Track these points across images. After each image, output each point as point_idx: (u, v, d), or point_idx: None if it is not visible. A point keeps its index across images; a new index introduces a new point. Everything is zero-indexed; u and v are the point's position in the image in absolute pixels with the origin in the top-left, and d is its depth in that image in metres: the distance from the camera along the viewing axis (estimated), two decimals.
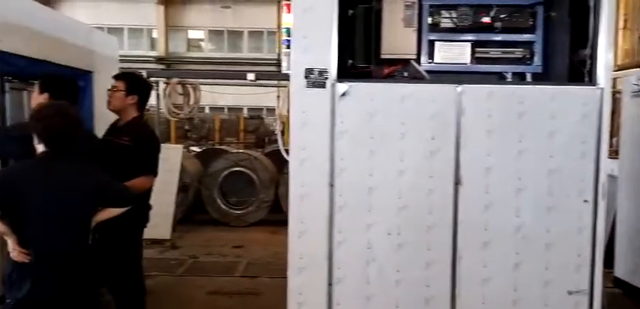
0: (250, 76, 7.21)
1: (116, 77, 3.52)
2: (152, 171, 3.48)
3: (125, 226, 3.05)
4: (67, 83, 3.23)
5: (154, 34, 22.11)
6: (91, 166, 2.74)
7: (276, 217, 8.32)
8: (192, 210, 8.31)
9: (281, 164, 8.32)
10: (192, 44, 23.27)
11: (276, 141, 15.35)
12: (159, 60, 21.19)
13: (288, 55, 2.97)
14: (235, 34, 22.59)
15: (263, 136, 17.14)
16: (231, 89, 18.04)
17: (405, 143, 2.86)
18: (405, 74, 3.00)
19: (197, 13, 21.95)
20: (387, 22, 2.97)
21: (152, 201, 3.55)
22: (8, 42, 3.32)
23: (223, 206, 8.29)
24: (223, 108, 19.52)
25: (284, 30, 3.02)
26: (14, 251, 2.51)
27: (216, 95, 16.31)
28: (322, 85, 2.84)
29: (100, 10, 19.46)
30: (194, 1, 21.79)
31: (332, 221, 2.89)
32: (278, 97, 18.14)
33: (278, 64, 21.51)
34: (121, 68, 5.18)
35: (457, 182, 2.84)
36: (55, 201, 2.52)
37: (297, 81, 2.86)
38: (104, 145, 3.42)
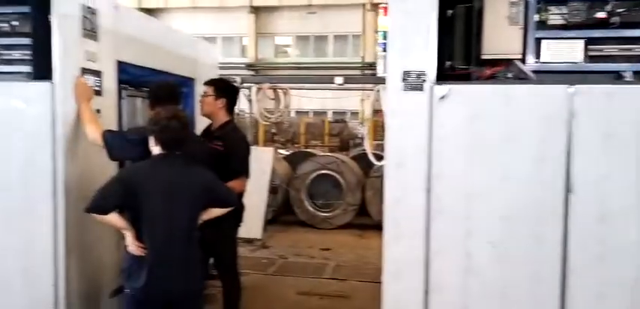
0: (338, 80, 7.27)
1: (206, 83, 3.74)
2: (245, 173, 3.64)
3: (223, 224, 3.21)
4: (171, 89, 3.45)
5: (245, 42, 23.12)
6: (200, 167, 2.91)
7: (363, 220, 8.33)
8: (281, 211, 8.55)
9: (368, 168, 8.32)
10: (279, 50, 24.02)
11: (360, 144, 15.37)
12: (249, 66, 22.12)
13: (383, 58, 2.95)
14: (321, 39, 22.97)
15: (347, 139, 17.26)
16: (315, 93, 18.41)
17: (509, 148, 2.71)
18: (509, 75, 2.85)
19: (285, 20, 22.62)
20: (489, 21, 2.84)
21: (244, 201, 3.70)
22: (126, 53, 3.62)
23: (311, 208, 8.43)
24: (308, 112, 19.89)
25: (380, 33, 3.02)
26: (132, 245, 2.74)
27: (301, 99, 16.65)
28: (420, 88, 2.78)
29: (197, 21, 20.72)
30: (282, 9, 22.47)
31: (429, 227, 2.81)
32: (362, 100, 18.22)
33: (362, 67, 21.56)
34: (218, 75, 5.49)
35: (568, 190, 2.64)
36: (168, 199, 2.71)
37: (394, 84, 2.82)
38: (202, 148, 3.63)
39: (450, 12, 2.89)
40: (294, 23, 22.64)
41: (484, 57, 2.88)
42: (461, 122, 2.75)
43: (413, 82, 2.78)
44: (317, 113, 20.36)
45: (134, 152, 3.03)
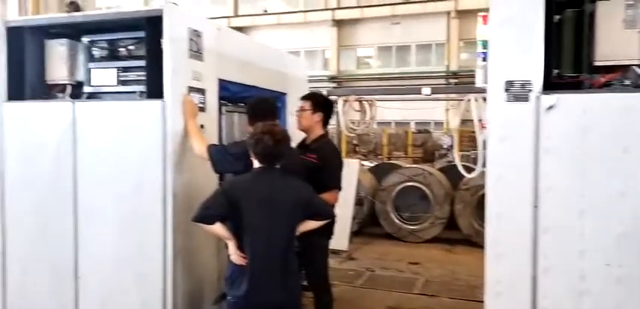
0: (426, 90, 7.13)
1: (303, 98, 3.82)
2: (337, 186, 3.68)
3: (315, 236, 3.26)
4: (267, 104, 3.58)
5: (327, 54, 23.51)
6: (298, 180, 2.99)
7: (452, 235, 8.06)
8: (367, 223, 8.52)
9: (456, 180, 8.04)
10: (361, 61, 24.11)
11: (445, 155, 14.86)
12: (331, 79, 22.44)
13: (483, 67, 2.85)
14: (403, 49, 22.74)
15: (431, 150, 16.86)
16: (398, 103, 18.21)
17: (627, 161, 2.49)
18: (627, 82, 2.62)
19: (367, 32, 22.69)
20: (602, 25, 2.64)
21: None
22: (226, 71, 3.83)
23: (397, 221, 8.32)
24: (390, 122, 19.72)
25: (480, 42, 2.90)
26: (234, 254, 2.87)
27: (384, 110, 16.53)
28: (525, 98, 2.64)
29: (281, 36, 21.43)
30: (364, 21, 22.58)
31: (536, 244, 2.65)
32: (447, 110, 17.71)
33: (447, 76, 21.00)
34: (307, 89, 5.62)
35: None
36: (268, 211, 2.81)
37: (496, 94, 2.72)
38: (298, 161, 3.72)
39: (557, 17, 2.72)
40: (376, 34, 22.64)
41: (597, 64, 2.68)
42: (571, 133, 2.58)
43: (517, 92, 2.66)
44: (399, 124, 20.13)
45: (236, 165, 3.18)
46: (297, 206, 2.89)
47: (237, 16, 22.95)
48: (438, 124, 20.17)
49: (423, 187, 8.24)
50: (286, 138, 2.97)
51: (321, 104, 3.77)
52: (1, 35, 3.63)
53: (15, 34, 3.68)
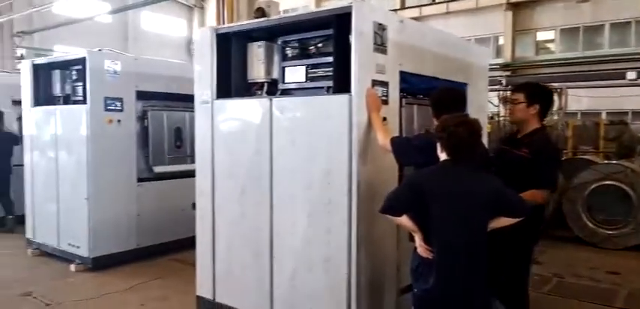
0: (630, 75, 6.13)
1: (515, 89, 3.58)
2: (548, 184, 3.35)
3: (518, 237, 3.03)
4: (455, 95, 3.45)
5: (500, 41, 21.92)
6: (487, 174, 2.83)
7: None
8: (552, 224, 7.72)
9: None
10: (540, 47, 21.90)
11: None
12: (504, 67, 20.87)
13: None
14: (592, 30, 19.98)
15: (628, 144, 14.48)
16: (586, 91, 16.06)
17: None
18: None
19: (548, 13, 20.51)
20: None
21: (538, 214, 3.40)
22: (407, 64, 3.82)
23: (590, 224, 7.36)
24: (577, 113, 17.51)
25: None
26: (420, 247, 2.85)
27: (568, 99, 14.73)
28: None
29: (450, 24, 20.65)
30: (545, 1, 20.45)
31: None
32: None
33: None
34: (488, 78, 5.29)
35: None
36: (455, 205, 2.72)
37: None
38: (499, 154, 3.51)
39: None
40: (558, 15, 20.30)
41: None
42: None
43: None
44: (585, 114, 17.75)
45: (419, 157, 3.15)
46: (486, 201, 2.74)
47: (403, 8, 22.79)
48: (636, 113, 17.25)
49: (624, 187, 7.14)
50: (480, 130, 2.83)
51: (537, 95, 3.46)
52: (212, 41, 4.18)
53: (223, 39, 4.21)
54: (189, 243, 5.46)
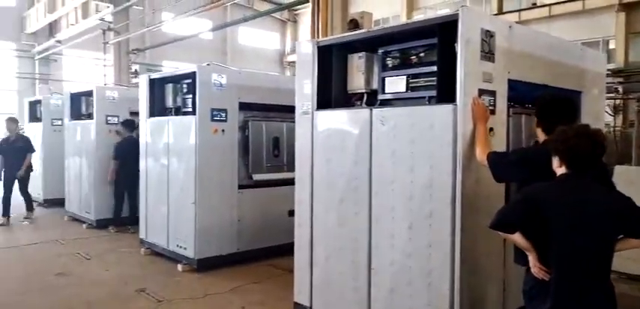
0: None
1: None
2: None
3: None
4: (566, 104, 3.20)
5: (611, 45, 20.09)
6: (614, 189, 2.59)
7: None
8: None
9: None
10: None
11: None
12: (616, 72, 19.06)
13: None
14: None
15: None
16: None
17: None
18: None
19: None
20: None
21: None
22: (516, 71, 3.63)
23: None
24: None
25: None
26: (534, 267, 2.66)
27: None
28: None
29: (553, 28, 19.33)
30: None
31: None
32: None
33: None
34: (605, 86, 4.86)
35: None
36: (576, 223, 2.50)
37: None
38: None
39: None
40: None
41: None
42: None
43: None
44: None
45: (517, 174, 3.00)
46: (612, 219, 2.50)
47: (501, 12, 21.77)
48: None
49: None
50: (604, 142, 2.59)
51: None
52: (313, 53, 4.29)
53: (324, 51, 4.29)
54: (286, 249, 5.63)
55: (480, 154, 3.23)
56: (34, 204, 10.94)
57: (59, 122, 11.08)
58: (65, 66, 25.29)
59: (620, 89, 12.51)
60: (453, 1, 23.14)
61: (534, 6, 21.42)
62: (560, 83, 4.10)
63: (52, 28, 23.47)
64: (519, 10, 21.32)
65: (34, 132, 11.64)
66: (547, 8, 20.67)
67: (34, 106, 12.11)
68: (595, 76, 4.53)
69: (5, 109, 23.37)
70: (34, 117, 11.89)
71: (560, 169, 2.65)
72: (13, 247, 7.84)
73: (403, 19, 23.33)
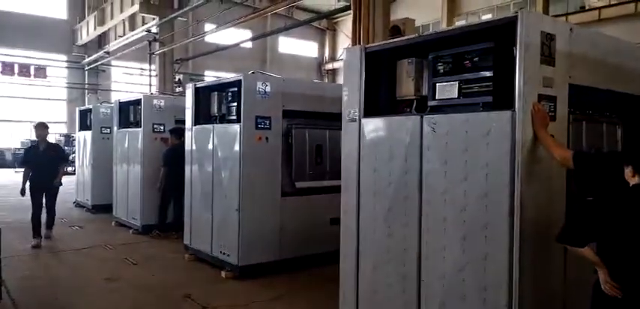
0: None
1: None
2: None
3: None
4: None
5: None
6: None
7: None
8: None
9: None
10: None
11: None
12: None
13: None
14: None
15: None
16: None
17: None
18: None
19: None
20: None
21: None
22: (577, 75, 3.44)
23: None
24: None
25: None
26: (605, 284, 2.49)
27: None
28: None
29: (603, 32, 18.53)
30: None
31: None
32: None
33: None
34: None
35: None
36: None
37: None
38: None
39: None
40: None
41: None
42: None
43: None
44: None
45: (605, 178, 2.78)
46: None
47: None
48: None
49: None
50: None
51: None
52: (361, 59, 4.21)
53: (371, 57, 4.21)
54: (328, 258, 5.55)
55: (562, 154, 3.06)
56: (83, 210, 11.33)
57: (108, 130, 11.45)
58: (113, 76, 26.28)
59: None
60: (495, 5, 22.63)
61: (582, 9, 20.63)
62: (623, 88, 3.87)
63: (101, 40, 24.48)
64: (566, 14, 20.55)
65: (83, 139, 12.10)
66: (596, 11, 19.86)
67: (84, 114, 12.58)
68: None
69: (56, 117, 24.51)
70: (85, 125, 12.35)
71: (633, 180, 2.47)
72: (62, 251, 8.10)
73: (444, 26, 22.98)
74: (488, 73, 3.45)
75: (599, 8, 19.83)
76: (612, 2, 19.57)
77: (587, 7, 20.49)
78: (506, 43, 3.19)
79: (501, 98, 3.27)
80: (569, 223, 2.55)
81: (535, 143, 3.17)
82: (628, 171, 2.49)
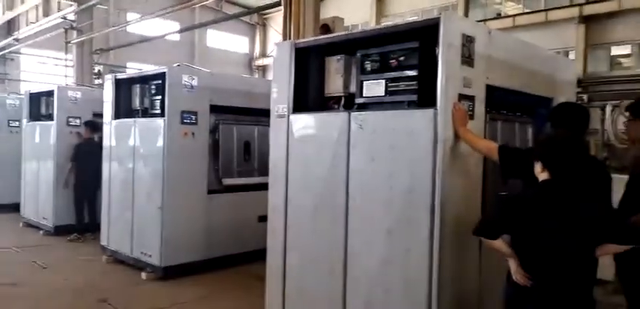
0: None
1: (627, 109, 3.36)
2: None
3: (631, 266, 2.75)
4: (579, 111, 3.21)
5: (571, 56, 20.84)
6: (593, 196, 2.58)
7: None
8: None
9: None
10: (615, 62, 20.62)
11: None
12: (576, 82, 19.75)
13: None
14: None
15: None
16: None
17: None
18: None
19: (624, 27, 19.29)
20: None
21: None
22: (494, 77, 3.62)
23: None
24: None
25: None
26: (516, 273, 2.63)
27: None
28: None
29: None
30: (620, 15, 19.25)
31: None
32: None
33: None
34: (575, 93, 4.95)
35: None
36: (557, 229, 2.49)
37: None
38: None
39: None
40: (635, 29, 19.03)
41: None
42: None
43: None
44: None
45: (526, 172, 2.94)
46: (591, 225, 2.49)
47: None
48: None
49: None
50: (587, 149, 2.59)
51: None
52: (291, 55, 4.17)
53: (301, 53, 4.19)
54: (256, 256, 5.47)
55: (487, 146, 3.22)
56: None
57: (16, 124, 10.53)
58: (23, 65, 24.24)
59: (585, 98, 12.93)
60: (420, 9, 23.53)
61: (499, 16, 22.01)
62: (534, 90, 4.14)
63: (10, 26, 22.44)
64: (485, 20, 21.81)
65: None
66: (511, 19, 21.28)
67: None
68: (565, 84, 4.59)
69: None
70: None
71: (542, 175, 2.64)
72: None
73: (372, 26, 23.54)
74: (413, 73, 3.54)
75: (514, 16, 21.26)
76: (525, 11, 21.04)
77: (502, 15, 21.86)
78: (430, 44, 3.29)
79: (425, 97, 3.37)
80: (483, 217, 2.67)
81: (456, 141, 3.30)
82: (537, 167, 2.65)
